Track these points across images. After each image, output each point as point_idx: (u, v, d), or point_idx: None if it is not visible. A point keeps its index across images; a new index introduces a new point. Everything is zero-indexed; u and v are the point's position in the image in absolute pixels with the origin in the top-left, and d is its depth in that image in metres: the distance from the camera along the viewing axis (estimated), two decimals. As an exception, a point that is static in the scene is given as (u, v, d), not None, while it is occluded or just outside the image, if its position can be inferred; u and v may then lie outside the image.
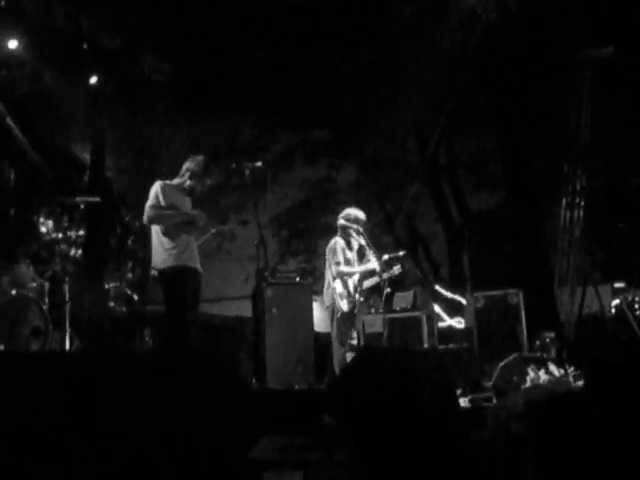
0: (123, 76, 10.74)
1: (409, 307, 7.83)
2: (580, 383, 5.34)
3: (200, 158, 5.86)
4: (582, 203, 10.19)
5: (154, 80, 10.98)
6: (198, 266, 5.72)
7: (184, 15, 10.31)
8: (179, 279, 5.56)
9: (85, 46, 9.91)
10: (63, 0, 9.41)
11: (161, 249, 5.56)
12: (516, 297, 7.76)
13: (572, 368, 5.42)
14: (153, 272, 5.84)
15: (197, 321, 6.03)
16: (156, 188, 5.63)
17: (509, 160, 10.69)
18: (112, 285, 8.78)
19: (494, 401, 4.99)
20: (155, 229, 5.62)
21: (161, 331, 5.63)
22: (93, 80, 10.42)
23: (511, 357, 5.58)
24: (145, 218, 5.60)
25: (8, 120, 3.11)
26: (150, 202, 5.58)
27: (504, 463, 2.96)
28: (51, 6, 9.37)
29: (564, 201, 10.26)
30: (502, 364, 5.45)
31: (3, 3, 8.75)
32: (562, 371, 5.38)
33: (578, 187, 10.29)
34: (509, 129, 10.55)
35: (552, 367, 5.41)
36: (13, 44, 8.88)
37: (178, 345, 5.41)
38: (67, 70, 7.95)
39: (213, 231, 5.87)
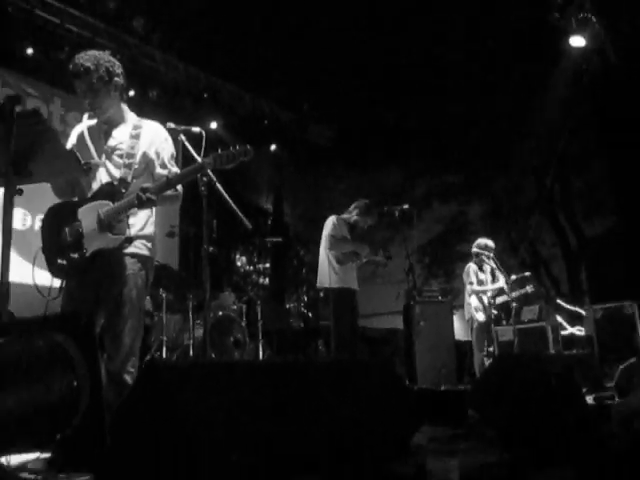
0: (295, 142, 11.15)
1: (535, 318, 7.53)
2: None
3: (366, 201, 5.94)
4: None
5: (319, 143, 11.33)
6: (356, 287, 5.76)
7: (341, 89, 10.55)
8: (344, 297, 5.56)
9: (266, 122, 10.40)
10: (248, 89, 9.93)
11: (332, 271, 5.51)
12: (631, 308, 7.28)
13: (688, 370, 5.01)
14: (320, 292, 5.87)
15: (359, 332, 6.04)
16: (334, 221, 5.66)
17: (620, 188, 10.16)
18: (291, 305, 9.01)
19: (616, 399, 4.69)
20: (328, 254, 5.58)
21: (332, 341, 5.64)
22: (273, 147, 10.92)
23: (630, 361, 5.22)
24: (327, 244, 5.60)
25: (217, 185, 3.31)
26: (331, 232, 5.59)
27: (629, 456, 2.79)
28: (241, 94, 9.91)
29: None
30: (622, 367, 5.09)
31: (206, 95, 9.38)
32: (679, 373, 4.99)
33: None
34: (620, 161, 10.05)
35: (669, 369, 5.03)
36: (214, 125, 9.49)
37: (347, 353, 5.45)
38: (254, 141, 8.37)
39: (365, 260, 5.87)
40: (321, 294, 5.90)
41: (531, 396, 2.93)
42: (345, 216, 5.82)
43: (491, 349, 6.89)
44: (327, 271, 5.57)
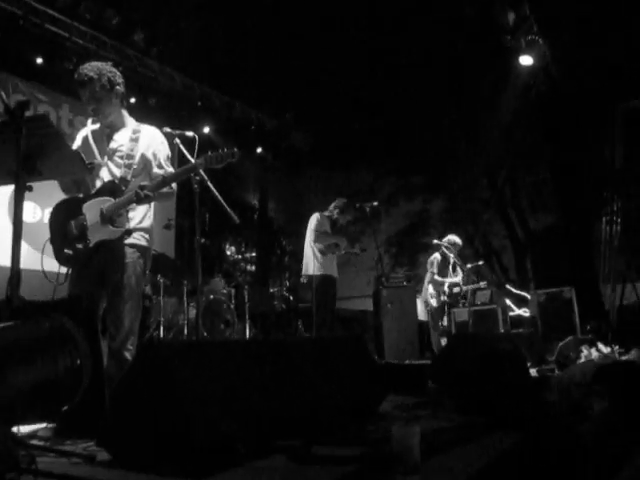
0: (278, 146, 11.13)
1: (487, 302, 7.59)
2: (623, 358, 5.02)
3: (345, 200, 5.94)
4: (619, 220, 9.63)
5: (299, 147, 11.33)
6: (336, 275, 5.77)
7: (319, 101, 10.54)
8: (325, 283, 5.58)
9: (253, 128, 10.34)
10: (238, 98, 9.86)
11: (315, 261, 5.54)
12: (569, 293, 7.37)
13: (617, 347, 5.10)
14: (303, 278, 5.86)
15: (336, 314, 6.03)
16: (317, 217, 5.69)
17: (560, 188, 10.30)
18: (275, 289, 8.96)
19: (556, 372, 4.75)
20: (312, 246, 5.60)
21: (314, 321, 5.65)
22: (259, 150, 10.86)
23: (568, 339, 5.29)
24: (312, 237, 5.63)
25: (208, 183, 3.29)
26: (315, 227, 5.62)
27: (568, 419, 2.83)
28: (231, 103, 9.83)
29: (604, 219, 9.75)
30: (562, 344, 5.17)
31: (199, 103, 9.28)
32: (609, 349, 5.06)
33: (615, 208, 9.79)
34: (560, 164, 10.19)
35: (601, 346, 5.09)
36: (206, 129, 9.39)
37: (326, 331, 5.46)
38: (242, 145, 8.31)
39: (343, 252, 5.88)
40: (303, 280, 5.89)
41: (483, 369, 2.95)
42: (327, 213, 5.84)
43: (444, 328, 6.97)
44: (311, 261, 5.59)
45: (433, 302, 7.04)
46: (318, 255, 5.56)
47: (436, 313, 7.07)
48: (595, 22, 8.30)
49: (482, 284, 7.05)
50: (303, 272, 5.70)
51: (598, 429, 2.66)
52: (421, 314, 8.01)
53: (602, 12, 8.11)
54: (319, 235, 5.58)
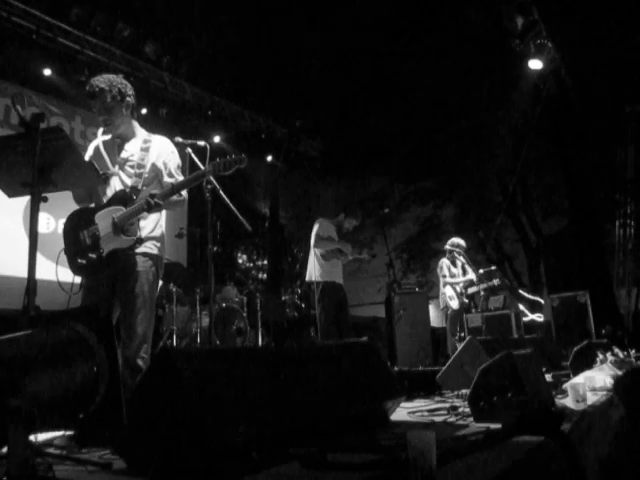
0: (289, 154, 11.16)
1: (500, 307, 7.55)
2: (640, 362, 4.95)
3: (350, 205, 5.90)
4: (632, 223, 9.57)
5: (310, 155, 11.34)
6: (341, 281, 5.68)
7: (330, 108, 10.58)
8: (329, 290, 5.45)
9: (263, 136, 10.38)
10: (247, 107, 9.91)
11: (318, 267, 5.44)
12: (584, 297, 7.32)
13: (633, 351, 5.03)
14: (304, 286, 5.78)
15: (350, 320, 5.95)
16: (320, 222, 5.58)
17: (572, 192, 10.23)
18: (286, 297, 8.97)
19: (572, 377, 4.69)
20: (315, 251, 5.51)
21: (320, 328, 5.57)
22: (269, 158, 10.90)
23: (583, 343, 5.22)
24: (312, 242, 5.53)
25: (220, 192, 3.31)
26: (317, 232, 5.51)
27: (584, 425, 2.79)
28: (240, 112, 9.88)
29: (617, 222, 9.69)
30: (576, 349, 5.09)
31: (210, 113, 9.35)
32: (625, 353, 4.99)
33: (628, 211, 9.72)
34: (572, 169, 10.12)
35: (617, 350, 5.02)
36: (217, 138, 9.44)
37: (335, 338, 5.39)
38: (252, 153, 8.35)
39: (351, 258, 5.79)
40: (306, 287, 5.81)
41: (496, 374, 2.92)
42: (331, 218, 5.77)
43: (462, 334, 6.90)
44: (313, 267, 5.51)
45: (454, 304, 6.94)
46: (321, 261, 5.48)
47: (455, 316, 6.99)
48: (605, 22, 8.27)
49: (495, 281, 7.00)
50: (307, 278, 5.61)
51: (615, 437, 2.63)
52: (434, 320, 7.98)
53: (611, 11, 8.09)
54: (320, 240, 5.49)
